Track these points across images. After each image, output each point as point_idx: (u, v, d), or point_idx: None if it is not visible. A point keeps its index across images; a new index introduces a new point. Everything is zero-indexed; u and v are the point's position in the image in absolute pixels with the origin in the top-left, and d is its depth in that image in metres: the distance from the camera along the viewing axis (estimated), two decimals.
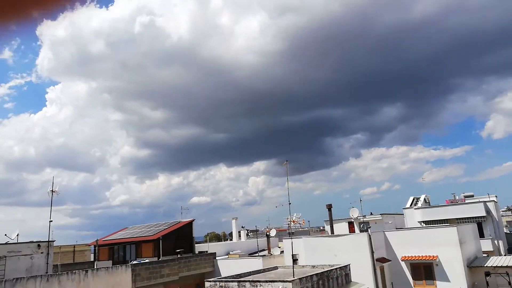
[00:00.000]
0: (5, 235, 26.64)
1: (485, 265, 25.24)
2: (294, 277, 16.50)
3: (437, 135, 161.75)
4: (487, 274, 24.43)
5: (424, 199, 41.22)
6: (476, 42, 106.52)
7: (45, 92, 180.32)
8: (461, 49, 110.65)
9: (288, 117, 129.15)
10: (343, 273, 20.62)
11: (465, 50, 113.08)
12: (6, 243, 23.71)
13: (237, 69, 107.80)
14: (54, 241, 24.95)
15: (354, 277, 21.63)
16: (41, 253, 23.45)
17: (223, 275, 25.93)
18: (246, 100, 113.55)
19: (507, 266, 24.64)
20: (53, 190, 25.54)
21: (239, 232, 50.32)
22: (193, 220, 36.95)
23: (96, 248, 35.38)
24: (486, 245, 31.84)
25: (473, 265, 25.56)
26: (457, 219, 33.51)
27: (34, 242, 23.93)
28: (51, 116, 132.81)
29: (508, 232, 41.51)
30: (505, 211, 61.39)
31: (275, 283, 16.28)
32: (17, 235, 26.66)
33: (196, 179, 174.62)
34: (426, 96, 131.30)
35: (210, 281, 18.85)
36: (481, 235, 32.46)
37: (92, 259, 37.70)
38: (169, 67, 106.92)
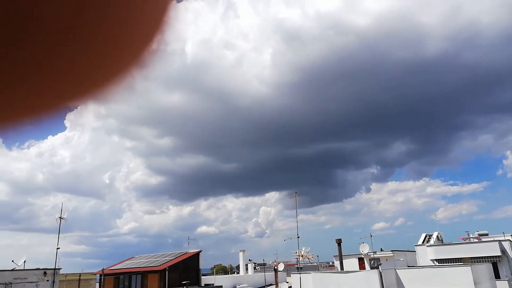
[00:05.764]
0: (12, 261, 26.63)
1: None
2: None
3: (450, 172, 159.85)
4: None
5: (437, 236, 40.24)
6: (486, 80, 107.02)
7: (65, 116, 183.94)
8: (472, 87, 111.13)
9: (301, 149, 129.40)
10: None
11: (476, 87, 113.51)
12: (13, 270, 23.61)
13: (248, 99, 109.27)
14: (60, 268, 24.77)
15: None
16: (47, 280, 23.25)
17: None
18: (258, 130, 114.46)
19: None
20: (62, 217, 25.66)
21: (246, 265, 49.38)
22: (200, 251, 36.54)
23: (102, 277, 34.98)
24: (502, 286, 30.65)
25: None
26: (471, 258, 32.53)
27: (40, 269, 23.78)
28: (64, 141, 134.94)
29: None
30: None
31: None
32: (24, 261, 26.60)
33: (206, 208, 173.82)
34: (436, 132, 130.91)
35: None
36: (496, 276, 31.33)
37: None
38: (177, 94, 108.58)
